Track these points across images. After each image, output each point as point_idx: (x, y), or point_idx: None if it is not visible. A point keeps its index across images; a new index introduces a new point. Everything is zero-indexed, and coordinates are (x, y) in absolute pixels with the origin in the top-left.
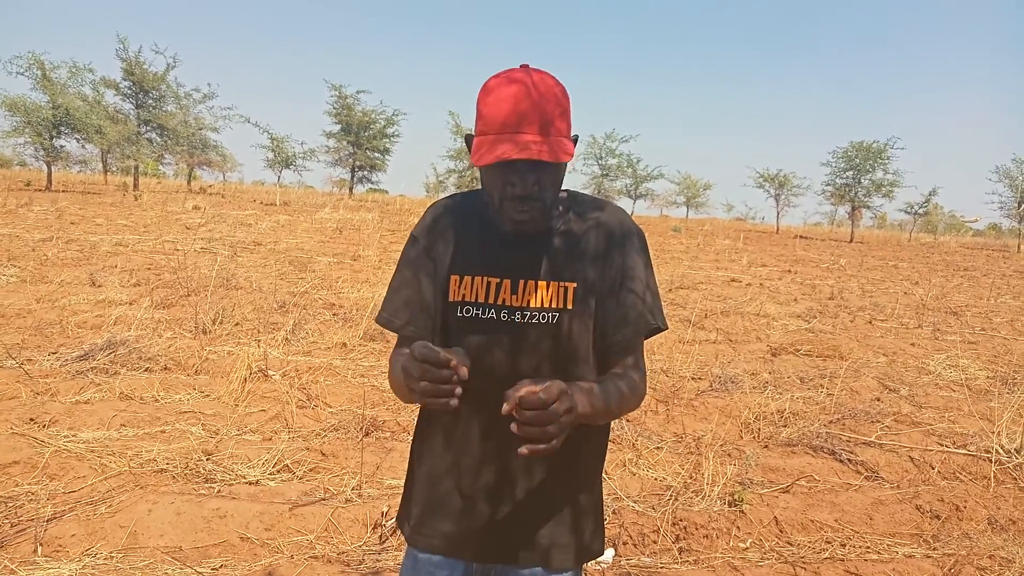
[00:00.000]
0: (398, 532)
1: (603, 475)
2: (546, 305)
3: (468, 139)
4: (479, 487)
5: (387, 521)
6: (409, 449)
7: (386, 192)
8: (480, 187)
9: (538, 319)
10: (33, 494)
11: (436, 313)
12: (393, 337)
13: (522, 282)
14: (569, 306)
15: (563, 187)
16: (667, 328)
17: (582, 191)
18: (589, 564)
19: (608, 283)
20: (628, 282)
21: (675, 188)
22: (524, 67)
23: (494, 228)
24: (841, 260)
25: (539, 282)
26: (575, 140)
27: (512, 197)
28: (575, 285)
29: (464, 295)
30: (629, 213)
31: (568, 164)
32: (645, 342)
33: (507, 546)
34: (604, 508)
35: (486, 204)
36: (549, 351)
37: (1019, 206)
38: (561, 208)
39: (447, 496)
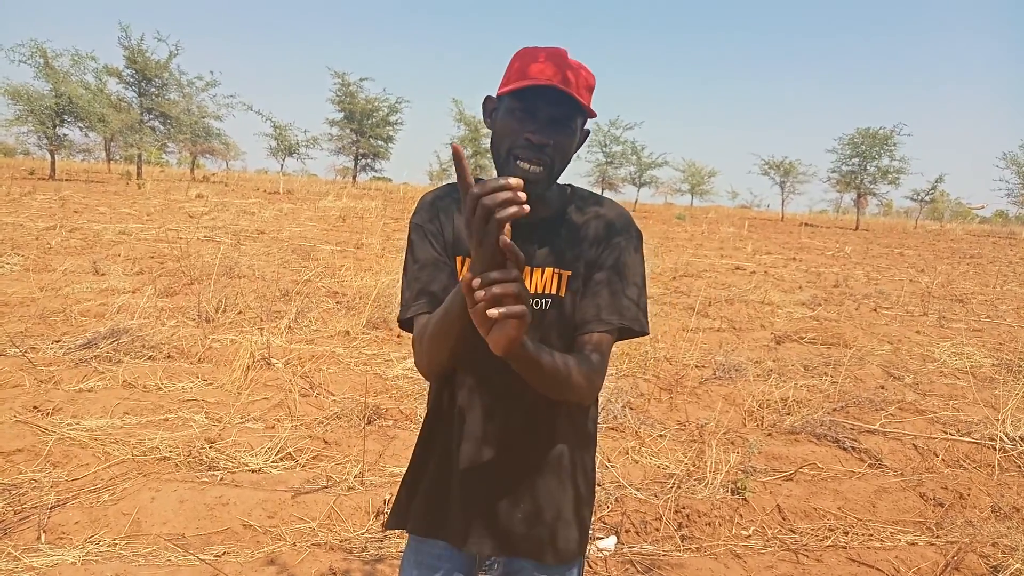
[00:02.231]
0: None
1: (606, 463)
2: (540, 291)
3: (486, 100)
4: (479, 474)
5: (389, 508)
6: (416, 438)
7: (390, 180)
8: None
9: (532, 305)
10: (37, 482)
11: (450, 275)
12: (397, 327)
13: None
14: (561, 293)
15: (567, 183)
16: (647, 333)
17: (583, 187)
18: (592, 552)
19: (598, 275)
20: (624, 280)
21: (679, 175)
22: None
23: None
24: (846, 247)
25: (534, 268)
26: (586, 134)
27: (525, 146)
28: (570, 273)
29: None
30: (631, 207)
31: (575, 152)
32: (628, 341)
33: (508, 537)
34: (607, 496)
35: None
36: (541, 337)
37: None
38: (561, 199)
39: (448, 484)
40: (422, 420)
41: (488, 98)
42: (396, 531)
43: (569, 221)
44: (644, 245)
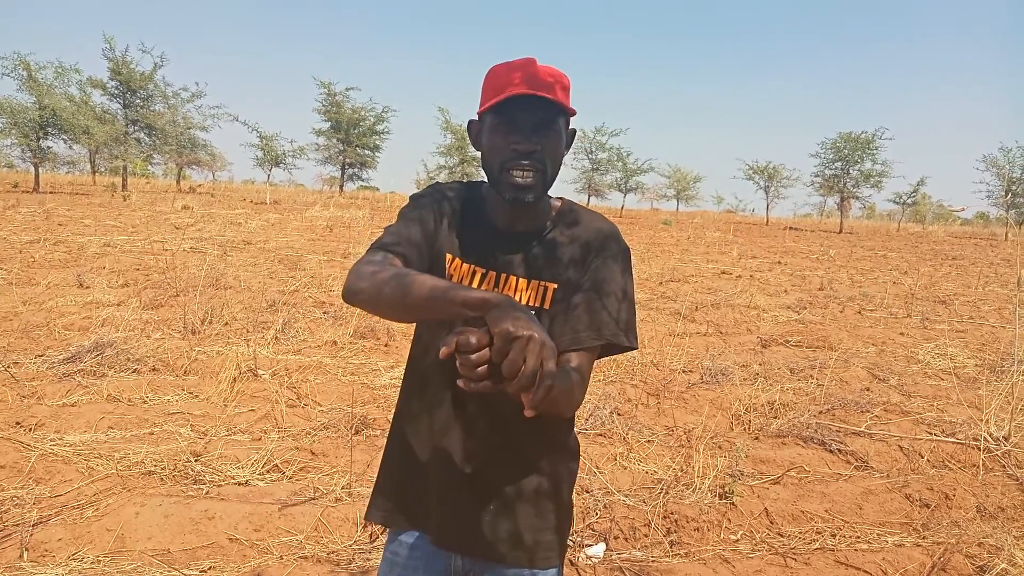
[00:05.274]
0: (387, 531)
1: (594, 469)
2: (523, 303)
3: (471, 124)
4: (460, 475)
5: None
6: (387, 437)
7: (377, 189)
8: (478, 181)
9: None
10: (19, 498)
11: (430, 248)
12: (385, 336)
13: (503, 276)
14: (546, 306)
15: (559, 196)
16: (634, 348)
17: (571, 196)
18: (581, 560)
19: (576, 297)
20: (604, 295)
21: (665, 181)
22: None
23: (489, 221)
24: (831, 251)
25: (520, 280)
26: (572, 133)
27: (515, 157)
28: (555, 286)
29: (451, 277)
30: (617, 214)
31: (564, 153)
32: (621, 355)
33: (493, 545)
34: (595, 503)
35: (484, 198)
36: None
37: (1006, 194)
38: (554, 214)
39: (429, 494)
40: (393, 415)
41: (472, 122)
42: (383, 543)
43: (559, 235)
44: (632, 254)
